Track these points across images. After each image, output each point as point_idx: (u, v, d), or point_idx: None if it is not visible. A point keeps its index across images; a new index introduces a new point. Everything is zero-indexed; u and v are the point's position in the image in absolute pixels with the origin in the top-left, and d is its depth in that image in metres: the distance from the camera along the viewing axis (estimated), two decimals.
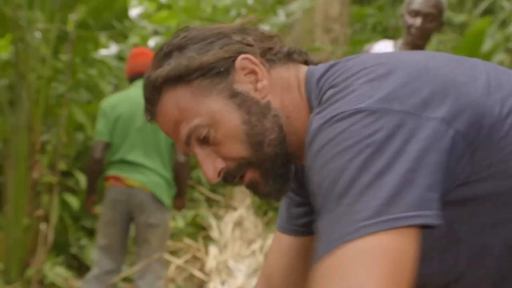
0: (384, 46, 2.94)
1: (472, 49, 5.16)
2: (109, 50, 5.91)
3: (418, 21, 2.80)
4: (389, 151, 0.77)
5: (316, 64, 0.98)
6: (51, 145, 4.24)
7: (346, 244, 0.74)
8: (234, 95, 0.92)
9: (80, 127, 4.56)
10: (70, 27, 4.35)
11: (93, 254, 4.25)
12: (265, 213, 5.72)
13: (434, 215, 0.76)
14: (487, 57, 5.33)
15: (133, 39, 6.39)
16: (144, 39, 6.72)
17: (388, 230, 0.74)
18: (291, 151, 0.94)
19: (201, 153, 0.92)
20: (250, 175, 0.93)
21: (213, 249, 2.64)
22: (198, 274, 2.75)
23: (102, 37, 4.73)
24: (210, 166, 0.92)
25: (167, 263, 4.18)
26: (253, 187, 0.95)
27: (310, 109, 0.92)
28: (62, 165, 4.18)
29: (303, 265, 1.09)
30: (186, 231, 5.13)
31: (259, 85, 0.93)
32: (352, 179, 0.76)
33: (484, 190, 0.83)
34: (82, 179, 4.41)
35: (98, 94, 4.67)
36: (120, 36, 5.12)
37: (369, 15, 7.28)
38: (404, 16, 2.86)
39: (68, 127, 4.27)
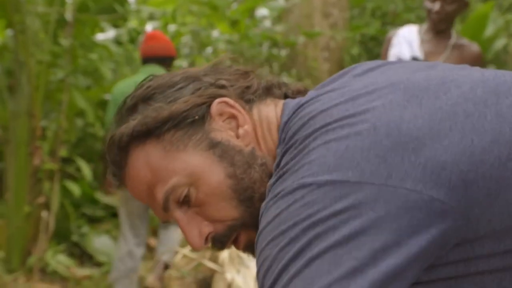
0: (408, 32, 2.91)
1: (474, 34, 5.11)
2: (106, 34, 5.82)
3: (436, 5, 2.76)
4: (330, 236, 0.66)
5: (294, 95, 0.87)
6: (52, 131, 4.16)
7: None
8: (213, 145, 0.80)
9: (80, 113, 4.49)
10: (69, 10, 4.26)
11: (94, 242, 4.21)
12: None
13: None
14: (489, 42, 5.29)
15: (131, 23, 6.31)
16: (142, 23, 6.64)
17: None
18: None
19: (182, 218, 0.80)
20: (245, 237, 0.81)
21: None
22: (209, 264, 2.72)
23: (102, 21, 4.64)
24: (195, 231, 0.80)
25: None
26: (250, 250, 0.82)
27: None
28: (63, 152, 4.11)
29: None
30: None
31: (241, 131, 0.81)
32: (281, 270, 0.67)
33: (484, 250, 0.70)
34: (83, 166, 4.34)
35: (98, 79, 4.59)
36: (119, 20, 5.04)
37: (368, 0, 7.22)
38: (424, 1, 2.86)
39: (68, 112, 4.20)
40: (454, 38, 2.90)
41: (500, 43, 5.32)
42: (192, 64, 6.61)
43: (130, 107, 0.82)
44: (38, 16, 4.07)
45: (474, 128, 0.69)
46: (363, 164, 0.67)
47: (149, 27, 6.77)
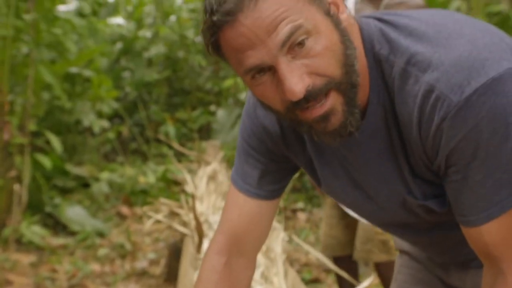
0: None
1: None
2: (67, 6, 5.82)
3: None
4: None
5: None
6: (19, 106, 4.22)
7: None
8: (330, 15, 0.90)
9: (46, 87, 4.54)
10: None
11: (67, 212, 4.32)
12: None
13: None
14: (444, 4, 5.45)
15: None
16: None
17: None
18: None
19: (288, 65, 0.87)
20: (333, 99, 0.90)
21: (198, 206, 2.75)
22: (179, 227, 2.86)
23: None
24: (299, 79, 0.87)
25: (146, 220, 4.28)
26: (325, 117, 0.91)
27: (366, 55, 0.93)
28: (32, 125, 4.17)
29: (269, 228, 1.17)
30: (157, 186, 5.23)
31: (341, 16, 0.91)
32: None
33: None
34: (52, 139, 4.42)
35: (62, 52, 4.63)
36: None
37: None
38: None
39: (35, 87, 4.25)
40: None
41: (454, 5, 5.48)
42: (156, 34, 6.64)
43: None
44: None
45: None
46: None
47: None
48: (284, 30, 0.86)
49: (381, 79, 0.94)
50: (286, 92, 0.87)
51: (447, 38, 0.89)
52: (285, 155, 1.11)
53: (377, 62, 0.93)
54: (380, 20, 0.96)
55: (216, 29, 0.88)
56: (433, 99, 0.87)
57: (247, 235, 1.15)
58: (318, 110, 0.90)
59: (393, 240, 1.36)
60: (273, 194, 1.14)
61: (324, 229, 2.54)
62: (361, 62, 0.93)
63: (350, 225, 2.50)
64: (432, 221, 1.03)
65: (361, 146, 0.99)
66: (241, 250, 1.15)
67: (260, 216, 1.15)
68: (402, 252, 1.30)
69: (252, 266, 1.18)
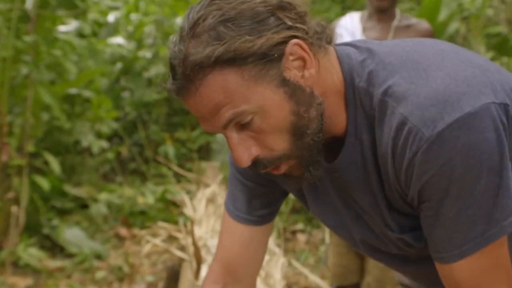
0: (350, 21, 2.63)
1: (429, 18, 5.28)
2: (67, 27, 5.83)
3: None
4: None
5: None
6: (18, 127, 4.21)
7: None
8: (284, 83, 0.88)
9: (45, 107, 4.53)
10: (31, 6, 4.28)
11: (65, 234, 4.29)
12: None
13: None
14: (443, 26, 5.46)
15: (92, 14, 6.32)
16: (104, 14, 6.65)
17: None
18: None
19: (235, 138, 0.89)
20: (286, 165, 0.92)
21: (197, 229, 2.72)
22: (177, 252, 2.84)
23: (63, 15, 4.67)
24: (245, 152, 0.89)
25: (145, 242, 4.25)
26: (285, 174, 0.94)
27: (346, 89, 0.92)
28: (30, 147, 4.16)
29: (263, 254, 1.17)
30: (156, 207, 5.20)
31: (307, 73, 0.90)
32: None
33: None
34: (51, 160, 4.40)
35: (62, 73, 4.63)
36: (80, 14, 5.07)
37: None
38: None
39: (34, 108, 4.24)
40: (397, 19, 2.59)
41: (453, 26, 5.49)
42: (156, 54, 6.65)
43: (210, 27, 0.86)
44: (0, 13, 4.09)
45: None
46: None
47: (111, 18, 6.78)
48: (225, 115, 0.87)
49: (362, 112, 0.92)
50: (234, 159, 0.90)
51: (425, 69, 0.87)
52: (272, 179, 1.10)
53: (356, 95, 0.92)
54: (362, 49, 0.95)
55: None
56: (405, 131, 0.85)
57: (241, 261, 1.15)
58: (276, 171, 0.93)
59: (394, 274, 1.35)
60: (264, 219, 1.15)
61: (333, 259, 2.49)
62: (337, 97, 0.92)
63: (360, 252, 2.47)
64: (415, 254, 1.02)
65: (342, 175, 0.99)
66: (237, 277, 1.15)
67: (252, 241, 1.15)
68: (403, 286, 1.29)
69: None
